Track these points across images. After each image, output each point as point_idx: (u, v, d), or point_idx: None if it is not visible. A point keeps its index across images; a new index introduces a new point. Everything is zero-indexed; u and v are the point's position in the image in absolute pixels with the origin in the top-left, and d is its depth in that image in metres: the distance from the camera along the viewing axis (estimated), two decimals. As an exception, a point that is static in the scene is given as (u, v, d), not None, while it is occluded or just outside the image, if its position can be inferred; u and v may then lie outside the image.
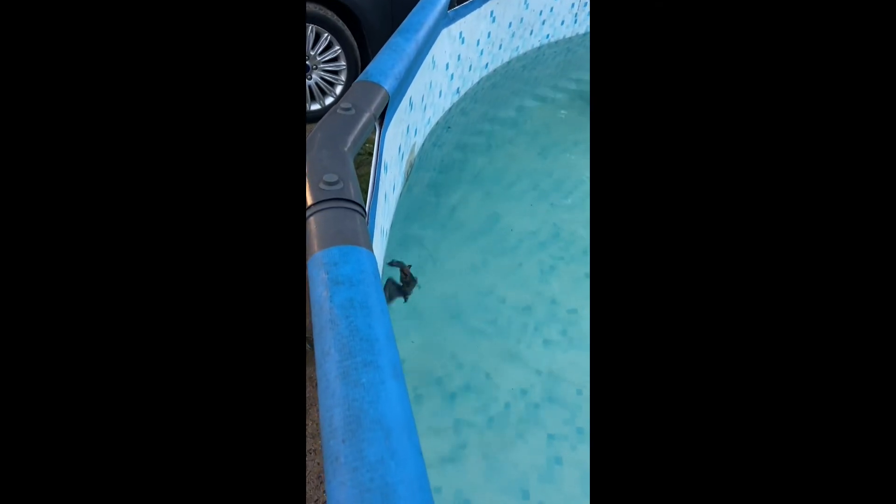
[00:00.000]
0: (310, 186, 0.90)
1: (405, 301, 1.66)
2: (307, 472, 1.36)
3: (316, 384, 1.66)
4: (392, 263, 1.68)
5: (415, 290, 1.69)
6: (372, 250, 0.84)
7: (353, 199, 0.89)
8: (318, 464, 1.42)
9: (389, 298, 1.63)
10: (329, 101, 2.57)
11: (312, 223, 0.84)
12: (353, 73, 2.52)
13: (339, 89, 2.55)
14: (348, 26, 2.41)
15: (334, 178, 0.89)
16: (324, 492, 1.39)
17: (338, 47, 2.43)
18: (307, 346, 1.30)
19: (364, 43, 2.49)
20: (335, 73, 2.51)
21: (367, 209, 0.97)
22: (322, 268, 0.76)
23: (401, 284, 1.66)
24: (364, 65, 2.56)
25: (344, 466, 0.54)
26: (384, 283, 1.60)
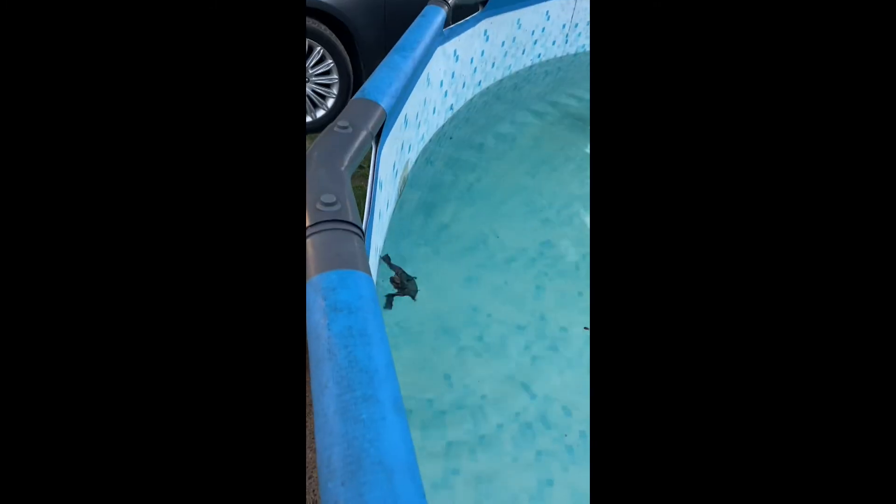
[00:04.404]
0: (307, 207, 0.87)
1: (414, 300, 1.69)
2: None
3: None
4: (385, 259, 1.72)
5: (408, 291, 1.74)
6: (370, 274, 0.81)
7: (351, 220, 0.86)
8: (313, 478, 1.38)
9: (388, 306, 1.68)
10: (320, 113, 2.55)
11: (309, 245, 0.81)
12: (345, 87, 2.51)
13: (330, 102, 2.53)
14: (341, 40, 2.40)
15: (332, 198, 0.87)
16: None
17: (330, 61, 2.41)
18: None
19: (356, 57, 2.49)
20: (327, 86, 2.49)
21: (364, 229, 0.94)
22: (320, 293, 0.73)
23: (395, 293, 1.69)
24: (356, 79, 2.55)
25: (343, 511, 0.51)
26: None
